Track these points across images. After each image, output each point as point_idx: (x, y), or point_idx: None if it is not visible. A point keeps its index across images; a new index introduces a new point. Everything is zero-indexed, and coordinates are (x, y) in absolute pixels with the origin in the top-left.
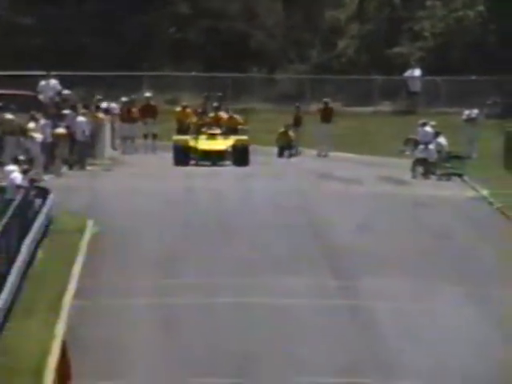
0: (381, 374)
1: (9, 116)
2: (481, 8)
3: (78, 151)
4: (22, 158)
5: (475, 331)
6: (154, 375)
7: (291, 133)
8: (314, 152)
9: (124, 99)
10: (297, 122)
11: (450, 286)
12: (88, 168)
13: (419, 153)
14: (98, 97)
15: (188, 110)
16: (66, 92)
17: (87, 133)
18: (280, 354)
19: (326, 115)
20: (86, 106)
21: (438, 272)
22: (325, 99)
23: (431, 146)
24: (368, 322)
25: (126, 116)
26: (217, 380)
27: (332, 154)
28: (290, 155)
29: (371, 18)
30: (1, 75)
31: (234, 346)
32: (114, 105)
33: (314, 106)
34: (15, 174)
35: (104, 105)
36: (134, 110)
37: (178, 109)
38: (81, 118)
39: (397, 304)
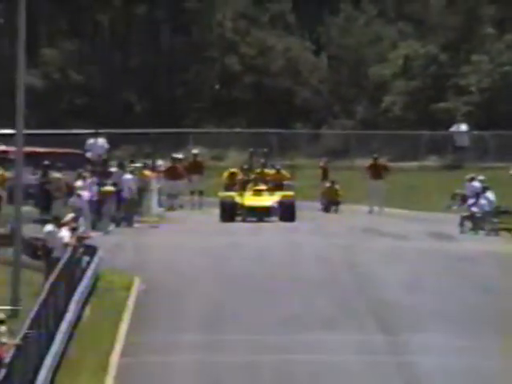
0: None
1: (56, 174)
2: None
3: (124, 208)
4: (69, 216)
5: None
6: None
7: (337, 187)
8: (362, 208)
9: (176, 156)
10: (325, 176)
11: (498, 343)
12: (135, 225)
13: (467, 208)
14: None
15: (235, 173)
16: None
17: (133, 190)
18: None
19: (376, 171)
20: (132, 161)
21: (487, 328)
22: (374, 155)
23: (480, 201)
24: (415, 378)
25: (171, 173)
26: None
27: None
28: (336, 210)
29: (417, 74)
30: (49, 133)
31: None
32: (160, 162)
33: (360, 162)
34: (63, 232)
35: (150, 162)
36: (180, 166)
37: (226, 174)
38: (127, 176)
39: (444, 360)
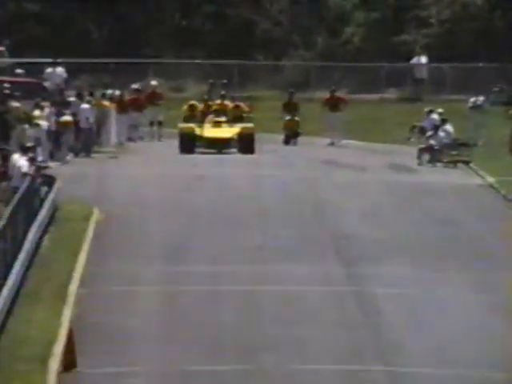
0: (383, 362)
1: (15, 103)
2: None
3: (82, 139)
4: (28, 145)
5: (479, 317)
6: (159, 363)
7: (297, 119)
8: (321, 140)
9: (134, 86)
10: (291, 108)
11: (456, 273)
12: (93, 155)
13: (425, 140)
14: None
15: (195, 105)
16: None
17: (91, 120)
18: (285, 341)
19: (333, 104)
20: (91, 94)
21: (443, 259)
22: (332, 88)
23: (438, 133)
24: (373, 308)
25: (132, 104)
26: (221, 367)
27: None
28: (295, 143)
29: (377, 5)
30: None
31: (239, 333)
32: (118, 92)
33: (320, 94)
34: (21, 161)
35: (109, 92)
36: (141, 97)
37: (185, 106)
38: (85, 106)
39: (404, 291)
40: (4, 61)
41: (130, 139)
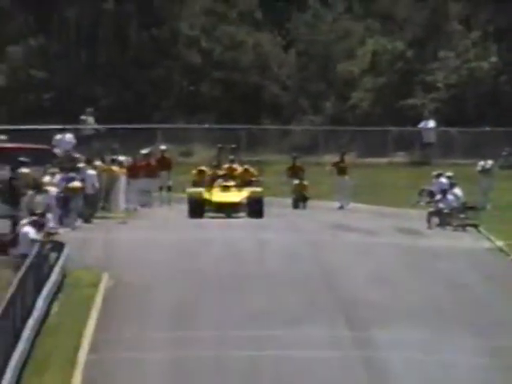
0: None
1: (24, 170)
2: (494, 59)
3: (88, 204)
4: (37, 211)
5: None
6: None
7: (306, 183)
8: (330, 204)
9: (144, 151)
10: (295, 172)
11: (467, 338)
12: (94, 221)
13: (434, 204)
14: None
15: (204, 170)
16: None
17: (97, 185)
18: None
19: (342, 167)
20: (103, 159)
21: (454, 324)
22: (342, 150)
23: (447, 197)
24: (385, 373)
25: (144, 169)
26: None
27: (348, 205)
28: (304, 206)
29: (384, 70)
30: (16, 129)
31: None
32: (124, 158)
33: (328, 158)
34: (30, 228)
35: (119, 158)
36: (153, 163)
37: (194, 171)
38: (90, 172)
39: (414, 356)
40: (93, 127)
41: (141, 205)
